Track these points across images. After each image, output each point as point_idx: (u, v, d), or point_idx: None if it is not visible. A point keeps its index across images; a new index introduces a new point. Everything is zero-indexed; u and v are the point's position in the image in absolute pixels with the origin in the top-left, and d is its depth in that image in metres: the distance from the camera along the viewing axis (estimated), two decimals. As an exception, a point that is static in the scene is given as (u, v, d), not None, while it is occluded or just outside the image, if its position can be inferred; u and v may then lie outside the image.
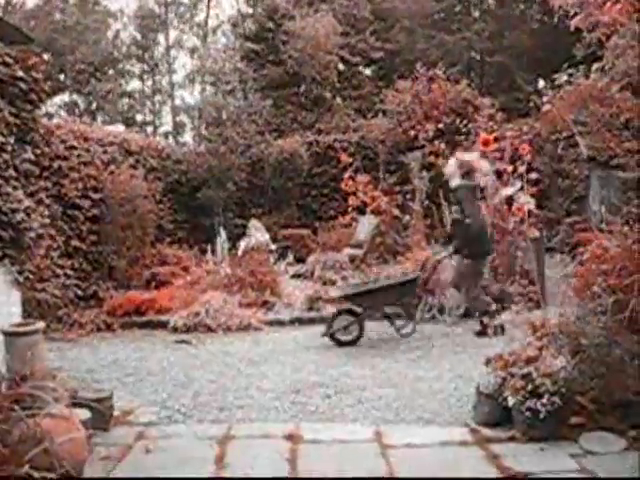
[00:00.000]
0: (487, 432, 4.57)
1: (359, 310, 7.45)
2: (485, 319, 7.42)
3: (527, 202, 8.65)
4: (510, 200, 9.21)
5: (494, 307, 7.54)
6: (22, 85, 7.13)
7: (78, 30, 26.37)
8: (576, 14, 4.51)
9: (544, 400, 4.30)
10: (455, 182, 7.77)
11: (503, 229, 9.20)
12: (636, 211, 8.53)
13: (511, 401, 4.45)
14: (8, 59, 7.02)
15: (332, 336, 7.44)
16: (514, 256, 9.09)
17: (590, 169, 12.04)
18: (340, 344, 7.40)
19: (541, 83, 23.34)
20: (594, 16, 4.35)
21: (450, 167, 7.93)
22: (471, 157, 7.99)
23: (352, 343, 7.40)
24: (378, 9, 25.08)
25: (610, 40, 4.47)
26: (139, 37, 31.02)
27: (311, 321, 8.74)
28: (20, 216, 6.53)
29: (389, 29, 24.87)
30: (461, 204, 7.57)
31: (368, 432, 4.70)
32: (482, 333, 7.38)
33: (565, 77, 7.98)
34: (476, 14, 25.95)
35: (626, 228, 5.06)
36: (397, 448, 4.39)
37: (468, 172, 7.69)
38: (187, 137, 30.08)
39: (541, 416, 4.28)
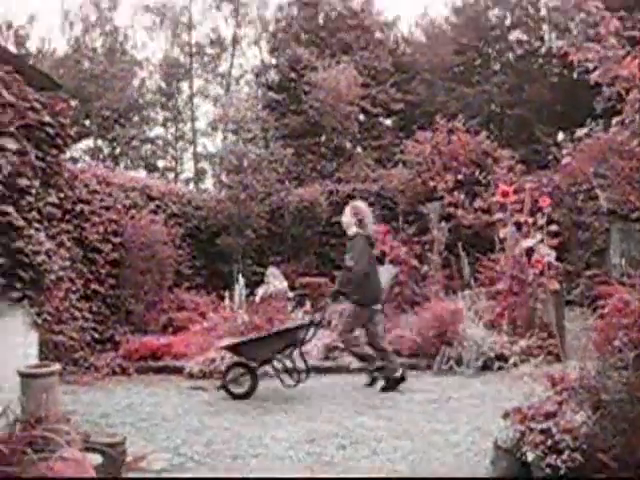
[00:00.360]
0: (505, 488, 4.47)
1: (247, 361, 7.39)
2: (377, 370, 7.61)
3: (547, 254, 8.58)
4: (530, 252, 9.16)
5: (381, 362, 7.66)
6: (49, 130, 7.24)
7: (105, 78, 26.95)
8: (595, 68, 4.55)
9: (564, 456, 4.20)
10: (352, 230, 7.87)
11: (522, 281, 9.14)
12: (657, 265, 8.45)
13: (530, 456, 4.36)
14: (37, 105, 7.15)
15: (225, 388, 7.37)
16: (533, 308, 9.01)
17: (610, 222, 11.99)
18: (234, 397, 7.33)
19: (560, 136, 23.42)
20: (613, 70, 4.39)
21: (346, 216, 8.00)
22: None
23: (246, 396, 7.30)
24: (399, 61, 25.48)
25: (630, 94, 4.50)
26: (164, 85, 31.63)
27: (327, 370, 8.68)
28: (41, 258, 6.57)
29: (409, 81, 25.21)
30: (351, 252, 7.70)
31: (383, 485, 4.62)
32: (372, 384, 7.69)
33: (585, 130, 8.00)
34: (496, 67, 26.23)
35: (647, 282, 5.00)
36: (413, 502, 4.30)
37: (361, 220, 7.76)
38: (208, 184, 30.39)
39: (561, 472, 4.17)
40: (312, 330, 7.67)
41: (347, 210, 8.09)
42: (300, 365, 7.65)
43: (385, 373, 7.59)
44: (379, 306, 7.90)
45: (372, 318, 7.71)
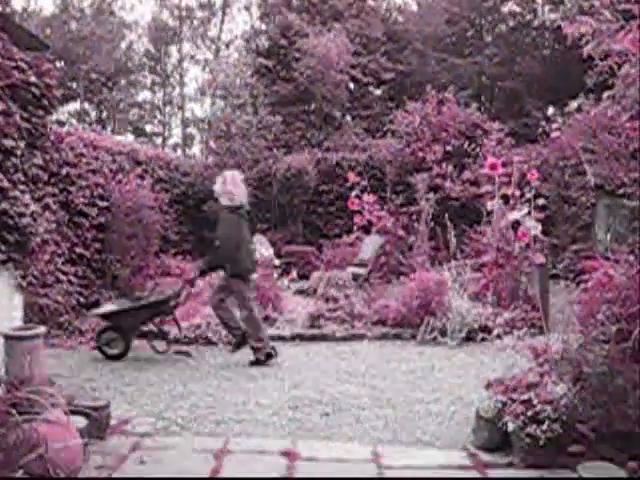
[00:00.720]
0: (486, 457, 4.53)
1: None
2: (254, 344, 7.42)
3: (534, 227, 8.64)
4: (516, 225, 9.20)
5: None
6: (35, 90, 7.14)
7: (93, 39, 26.57)
8: (588, 42, 4.52)
9: (544, 427, 4.26)
10: (223, 201, 7.69)
11: (508, 253, 9.19)
12: (642, 240, 8.51)
13: (511, 426, 4.42)
14: (22, 64, 7.05)
15: (100, 349, 7.60)
16: (518, 281, 9.07)
17: (597, 197, 12.03)
18: (107, 357, 7.56)
19: (551, 110, 23.42)
20: (606, 44, 4.36)
21: (217, 185, 7.80)
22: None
23: (119, 357, 7.55)
24: (391, 30, 25.22)
25: (622, 69, 4.48)
26: (152, 49, 31.24)
27: (312, 338, 8.72)
28: (26, 220, 6.52)
29: (401, 50, 25.00)
30: (220, 227, 7.59)
31: (365, 452, 4.67)
32: (256, 362, 7.40)
33: (575, 105, 8.00)
34: (488, 39, 26.03)
35: (631, 257, 5.03)
36: (395, 469, 4.35)
37: (230, 191, 7.60)
38: (195, 150, 30.24)
39: (540, 443, 4.24)
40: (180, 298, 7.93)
41: (218, 179, 7.89)
42: (175, 331, 8.04)
43: (252, 344, 7.46)
44: (254, 276, 7.83)
45: (245, 289, 7.57)
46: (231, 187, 7.61)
